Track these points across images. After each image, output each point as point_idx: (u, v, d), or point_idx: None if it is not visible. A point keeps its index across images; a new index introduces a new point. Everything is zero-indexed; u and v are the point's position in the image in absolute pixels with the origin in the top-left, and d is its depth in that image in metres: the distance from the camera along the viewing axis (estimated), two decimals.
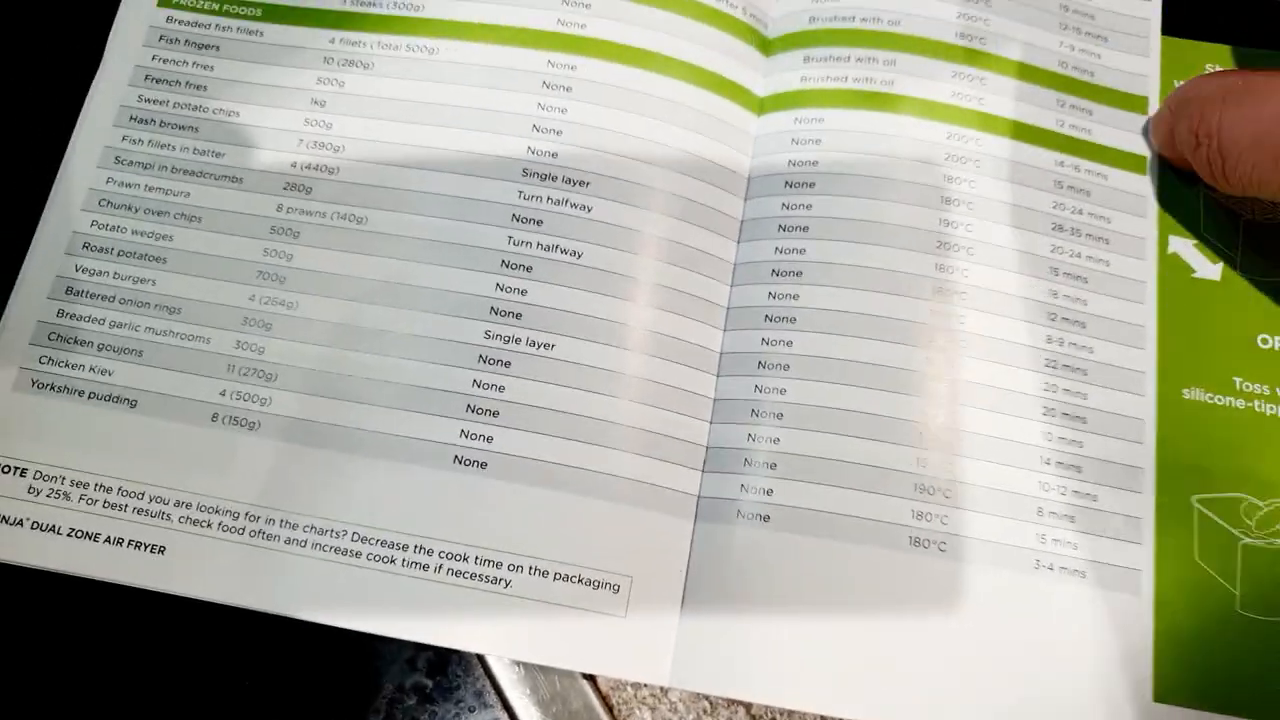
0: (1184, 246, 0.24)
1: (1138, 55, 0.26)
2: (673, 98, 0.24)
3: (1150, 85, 0.25)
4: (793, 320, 0.22)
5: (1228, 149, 0.21)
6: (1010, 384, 0.22)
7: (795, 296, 0.23)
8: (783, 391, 0.22)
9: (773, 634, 0.20)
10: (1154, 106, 0.25)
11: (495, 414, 0.21)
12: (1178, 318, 0.23)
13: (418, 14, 0.24)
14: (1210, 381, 0.23)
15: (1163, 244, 0.24)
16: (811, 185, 0.24)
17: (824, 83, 0.24)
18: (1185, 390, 0.23)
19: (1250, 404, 0.22)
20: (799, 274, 0.23)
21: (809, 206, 0.23)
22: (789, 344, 0.22)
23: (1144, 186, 0.24)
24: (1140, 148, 0.25)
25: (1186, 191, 0.24)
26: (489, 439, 0.21)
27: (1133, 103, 0.25)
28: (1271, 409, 0.22)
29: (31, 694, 0.21)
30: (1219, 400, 0.23)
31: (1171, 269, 0.24)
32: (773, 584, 0.21)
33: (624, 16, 0.24)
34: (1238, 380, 0.23)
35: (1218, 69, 0.25)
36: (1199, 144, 0.22)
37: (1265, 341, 0.23)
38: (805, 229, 0.23)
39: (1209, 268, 0.24)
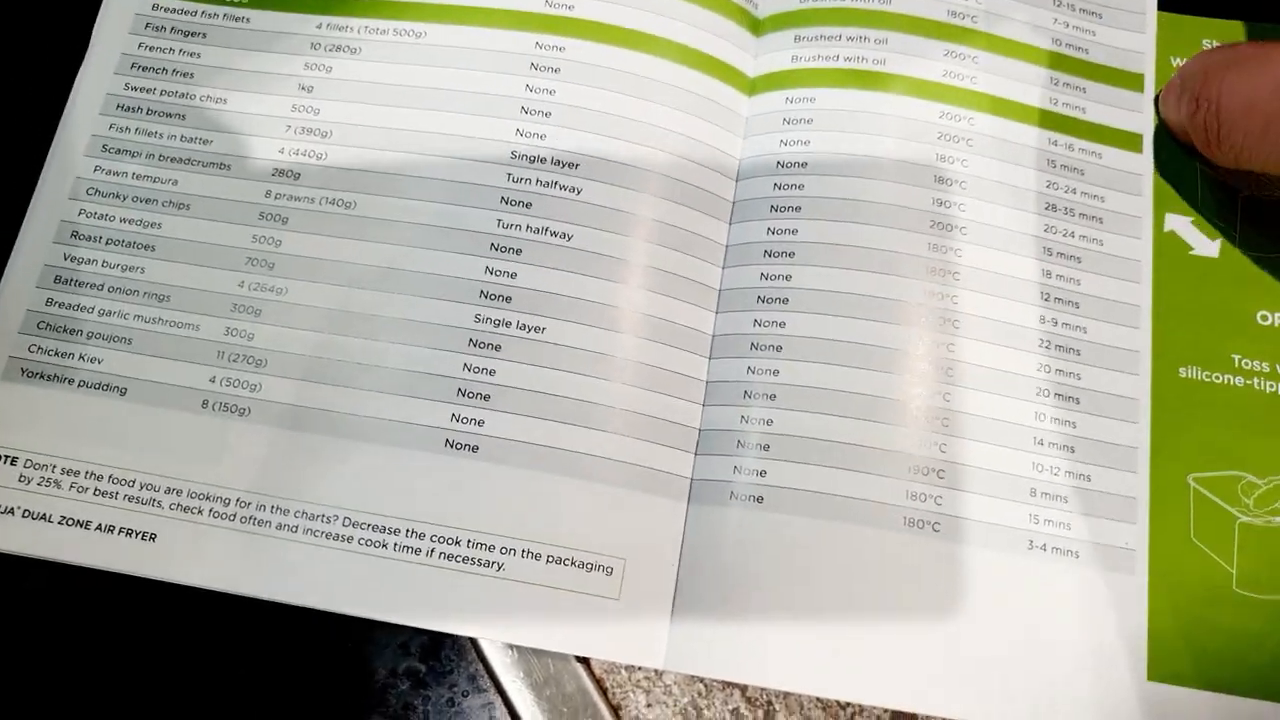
0: (1181, 224, 0.24)
1: (1133, 32, 0.25)
2: (662, 79, 0.23)
3: (1146, 62, 0.25)
4: (785, 301, 0.22)
5: (1223, 116, 0.21)
6: (1003, 364, 0.22)
7: (788, 277, 0.23)
8: (775, 373, 0.22)
9: (767, 616, 0.20)
10: (1150, 84, 0.25)
11: (486, 397, 0.21)
12: (1174, 296, 0.23)
13: None
14: (1208, 359, 0.22)
15: (1159, 222, 0.24)
16: (803, 165, 0.23)
17: (815, 62, 0.24)
18: (1182, 369, 0.22)
19: (1250, 381, 0.22)
20: (791, 255, 0.23)
21: (801, 187, 0.23)
22: (781, 325, 0.22)
23: (1139, 164, 0.24)
24: (1136, 125, 0.24)
25: (1184, 168, 0.24)
26: (480, 422, 0.21)
27: (1128, 80, 0.25)
28: (1271, 386, 0.22)
29: (24, 682, 0.21)
30: (1217, 378, 0.22)
31: (1168, 247, 0.23)
32: (766, 565, 0.21)
33: None
34: (1237, 358, 0.22)
35: (1215, 44, 0.25)
36: (1198, 109, 0.22)
37: (1265, 318, 0.23)
38: (797, 209, 0.23)
39: (1207, 245, 0.23)
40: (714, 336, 0.23)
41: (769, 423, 0.22)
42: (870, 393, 0.22)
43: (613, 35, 0.24)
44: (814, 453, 0.21)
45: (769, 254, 0.23)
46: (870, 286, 0.22)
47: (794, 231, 0.23)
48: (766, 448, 0.21)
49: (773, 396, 0.22)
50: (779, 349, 0.22)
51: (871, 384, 0.22)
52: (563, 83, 0.23)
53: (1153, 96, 0.25)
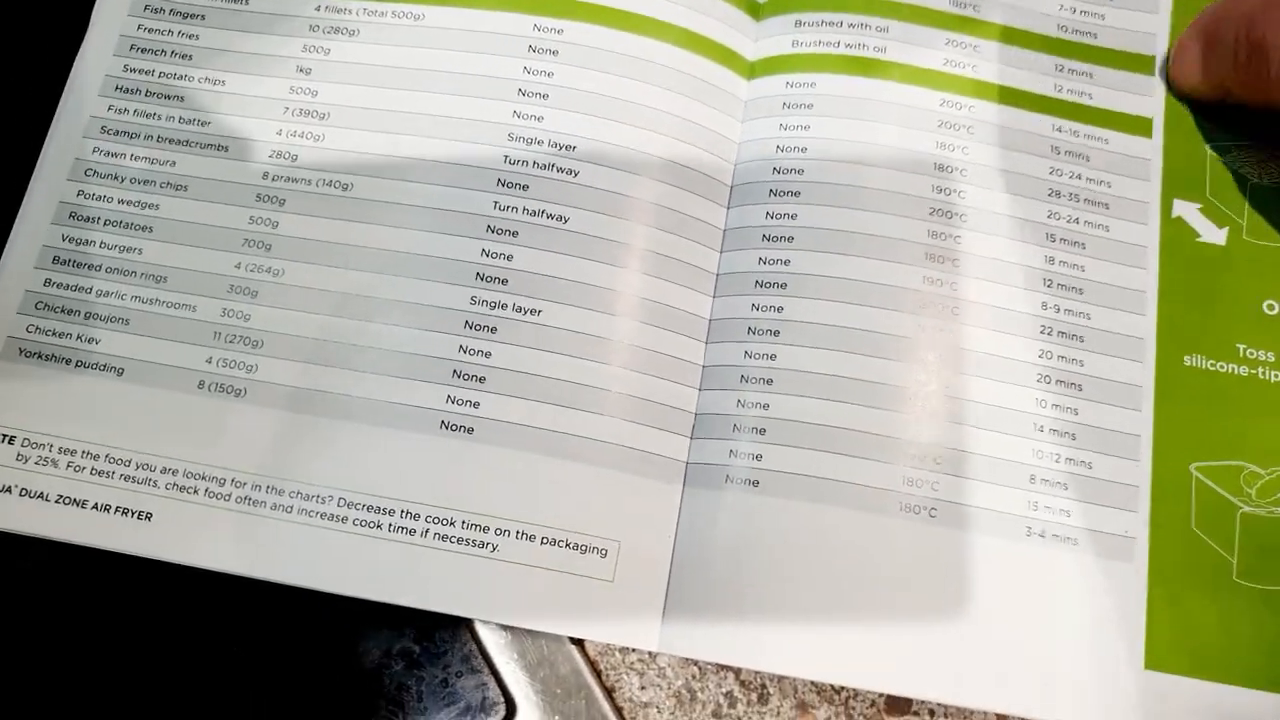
0: (1188, 210, 0.23)
1: (1146, 13, 0.25)
2: (661, 62, 0.23)
3: (1159, 44, 0.25)
4: (783, 286, 0.22)
5: (1273, 53, 0.20)
6: (1004, 350, 0.22)
7: (786, 262, 0.22)
8: (772, 357, 0.22)
9: (762, 600, 0.20)
10: (1160, 66, 0.24)
11: (482, 379, 0.21)
12: (1180, 283, 0.23)
13: None
14: (1213, 348, 0.22)
15: (1166, 208, 0.23)
16: (803, 150, 0.23)
17: (815, 48, 0.24)
18: (1186, 357, 0.22)
19: (1254, 371, 0.22)
20: (790, 239, 0.23)
21: (800, 172, 0.23)
22: (779, 309, 0.22)
23: (1147, 150, 0.24)
24: (1146, 109, 0.24)
25: (1192, 154, 0.24)
26: (475, 404, 0.21)
27: (1138, 63, 0.25)
28: (1277, 376, 0.22)
29: (18, 660, 0.21)
30: (1221, 367, 0.22)
31: (1175, 233, 0.23)
32: (761, 549, 0.21)
33: None
34: (1242, 347, 0.22)
35: None
36: (1250, 55, 0.21)
37: (1272, 308, 0.22)
38: (797, 194, 0.23)
39: (1214, 232, 0.23)
40: (711, 321, 0.23)
41: (765, 407, 0.21)
42: (868, 378, 0.21)
43: (611, 18, 0.23)
44: (811, 437, 0.21)
45: (767, 239, 0.23)
46: (869, 272, 0.22)
47: (793, 216, 0.23)
48: (763, 432, 0.21)
49: (769, 381, 0.22)
50: (776, 334, 0.22)
51: (870, 369, 0.21)
52: (561, 65, 0.23)
53: (1162, 70, 0.24)
